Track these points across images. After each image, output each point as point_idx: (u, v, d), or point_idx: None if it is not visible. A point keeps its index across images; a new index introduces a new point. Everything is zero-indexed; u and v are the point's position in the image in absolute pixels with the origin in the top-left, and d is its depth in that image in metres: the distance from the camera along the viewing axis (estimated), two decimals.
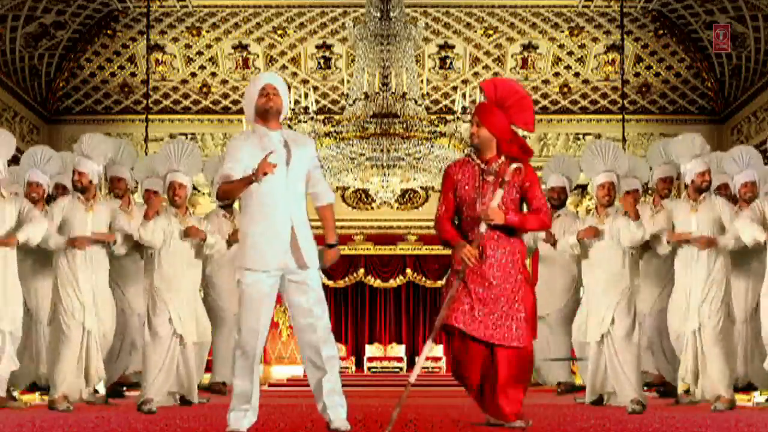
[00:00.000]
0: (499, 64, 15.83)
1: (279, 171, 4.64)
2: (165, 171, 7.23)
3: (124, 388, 8.33)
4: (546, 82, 15.87)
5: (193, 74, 15.85)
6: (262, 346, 4.79)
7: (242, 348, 4.74)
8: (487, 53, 15.81)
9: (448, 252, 5.02)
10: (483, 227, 4.81)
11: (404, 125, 11.64)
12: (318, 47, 15.82)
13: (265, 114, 4.87)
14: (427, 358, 19.27)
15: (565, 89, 15.91)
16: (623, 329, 6.95)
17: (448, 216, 5.01)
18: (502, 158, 4.89)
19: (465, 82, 15.52)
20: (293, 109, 12.21)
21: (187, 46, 15.69)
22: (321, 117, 12.28)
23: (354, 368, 19.32)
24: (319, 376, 4.83)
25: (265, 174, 4.52)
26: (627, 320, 6.97)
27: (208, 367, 8.13)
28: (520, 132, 5.09)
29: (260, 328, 4.73)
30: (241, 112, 15.54)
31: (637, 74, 15.82)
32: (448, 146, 11.71)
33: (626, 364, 6.90)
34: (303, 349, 4.88)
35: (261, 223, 4.71)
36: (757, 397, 7.51)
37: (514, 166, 4.80)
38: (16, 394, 7.30)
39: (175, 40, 15.63)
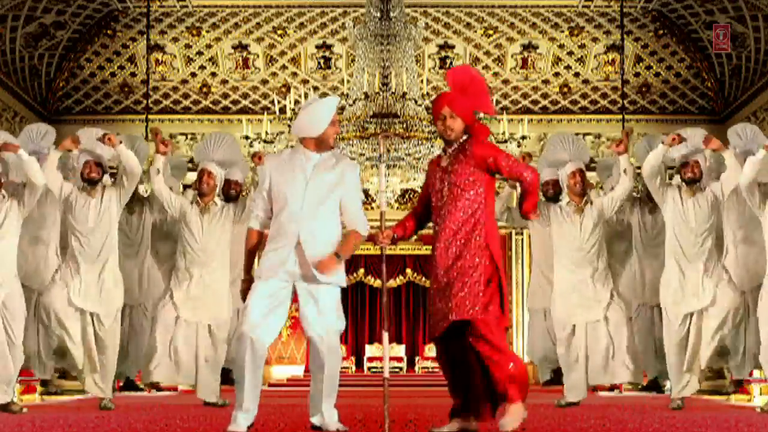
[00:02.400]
0: (499, 64, 15.83)
1: (298, 190, 4.82)
2: (199, 159, 7.40)
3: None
4: (546, 82, 15.87)
5: (193, 74, 15.85)
6: (256, 342, 4.76)
7: (237, 337, 4.86)
8: (487, 53, 15.81)
9: None
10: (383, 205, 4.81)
11: (404, 125, 11.63)
12: (318, 47, 15.82)
13: (325, 143, 4.92)
14: (427, 359, 19.29)
15: (565, 89, 15.91)
16: (619, 312, 7.12)
17: (414, 208, 4.99)
18: (462, 145, 4.74)
19: None
20: (293, 109, 12.21)
21: (187, 46, 15.69)
22: None
23: (354, 368, 19.32)
24: (317, 379, 4.95)
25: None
26: (618, 303, 7.17)
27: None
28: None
29: (249, 313, 4.77)
30: (240, 112, 15.59)
31: (637, 74, 15.82)
32: None
33: (624, 346, 7.07)
34: (312, 348, 4.98)
35: (274, 239, 4.87)
36: (757, 399, 7.52)
37: (381, 135, 4.80)
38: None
39: (175, 40, 15.63)
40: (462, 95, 4.73)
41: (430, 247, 4.84)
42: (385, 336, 4.82)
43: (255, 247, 5.04)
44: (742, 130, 7.40)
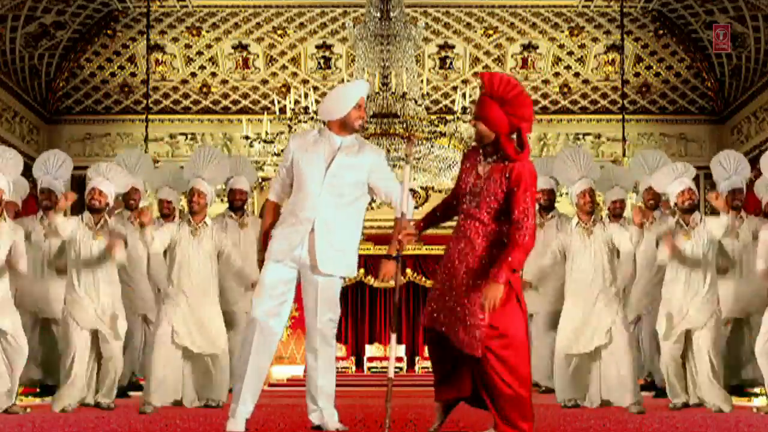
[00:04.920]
0: (499, 64, 15.82)
1: (318, 172, 4.81)
2: (189, 176, 7.23)
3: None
4: (546, 82, 15.87)
5: (193, 74, 15.84)
6: (266, 329, 4.78)
7: (248, 323, 4.87)
8: (487, 53, 15.81)
9: None
10: (398, 212, 4.67)
11: (404, 125, 11.64)
12: (318, 47, 15.82)
13: (349, 126, 4.90)
14: (427, 358, 19.30)
15: (565, 89, 15.90)
16: (624, 338, 6.98)
17: (446, 198, 4.82)
18: (500, 154, 4.54)
19: (465, 82, 15.51)
20: (293, 109, 12.21)
21: (187, 46, 15.68)
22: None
23: (354, 368, 19.32)
24: (313, 375, 4.92)
25: None
26: (626, 329, 7.02)
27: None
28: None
29: (263, 299, 4.78)
30: (240, 112, 15.58)
31: (637, 74, 15.81)
32: (448, 146, 11.71)
33: (627, 371, 6.91)
34: (307, 341, 4.96)
35: (287, 220, 4.88)
36: (757, 401, 7.51)
37: (409, 143, 4.63)
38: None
39: (175, 40, 15.63)
40: (495, 102, 4.53)
41: (433, 246, 4.78)
42: (393, 338, 4.77)
43: (272, 221, 5.00)
44: (725, 159, 7.32)
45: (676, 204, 6.93)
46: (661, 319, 6.91)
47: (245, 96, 15.83)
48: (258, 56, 15.78)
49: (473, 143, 4.74)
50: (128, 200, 8.14)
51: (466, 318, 4.45)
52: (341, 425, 4.87)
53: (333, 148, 4.88)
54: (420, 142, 11.64)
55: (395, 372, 17.48)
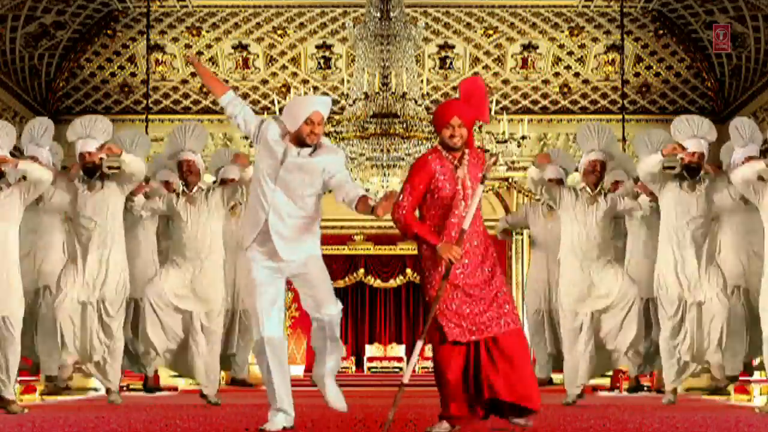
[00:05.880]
0: (499, 64, 15.83)
1: (271, 175, 4.86)
2: (175, 150, 7.40)
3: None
4: (546, 82, 15.86)
5: (193, 74, 15.83)
6: (268, 331, 4.85)
7: (258, 343, 4.93)
8: (487, 53, 15.81)
9: None
10: (467, 224, 4.69)
11: (404, 125, 11.64)
12: (318, 47, 15.82)
13: (301, 140, 4.89)
14: (427, 359, 19.30)
15: (565, 89, 15.90)
16: (626, 302, 7.18)
17: (413, 209, 4.84)
18: (467, 153, 4.77)
19: None
20: None
21: (187, 46, 15.68)
22: None
23: (354, 368, 19.33)
24: (320, 365, 5.08)
25: None
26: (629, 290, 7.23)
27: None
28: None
29: (259, 307, 4.84)
30: None
31: (637, 74, 15.81)
32: None
33: (632, 336, 7.14)
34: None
35: (252, 227, 4.94)
36: (757, 399, 7.52)
37: (492, 160, 4.76)
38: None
39: (175, 40, 15.63)
40: (468, 105, 4.77)
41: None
42: (419, 344, 4.87)
43: (213, 83, 5.20)
44: (742, 127, 7.39)
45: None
46: None
47: (245, 96, 15.83)
48: (258, 56, 15.78)
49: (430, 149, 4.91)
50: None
51: (497, 301, 4.71)
52: (341, 402, 5.00)
53: (288, 155, 4.87)
54: (420, 142, 11.65)
55: (395, 372, 17.44)
